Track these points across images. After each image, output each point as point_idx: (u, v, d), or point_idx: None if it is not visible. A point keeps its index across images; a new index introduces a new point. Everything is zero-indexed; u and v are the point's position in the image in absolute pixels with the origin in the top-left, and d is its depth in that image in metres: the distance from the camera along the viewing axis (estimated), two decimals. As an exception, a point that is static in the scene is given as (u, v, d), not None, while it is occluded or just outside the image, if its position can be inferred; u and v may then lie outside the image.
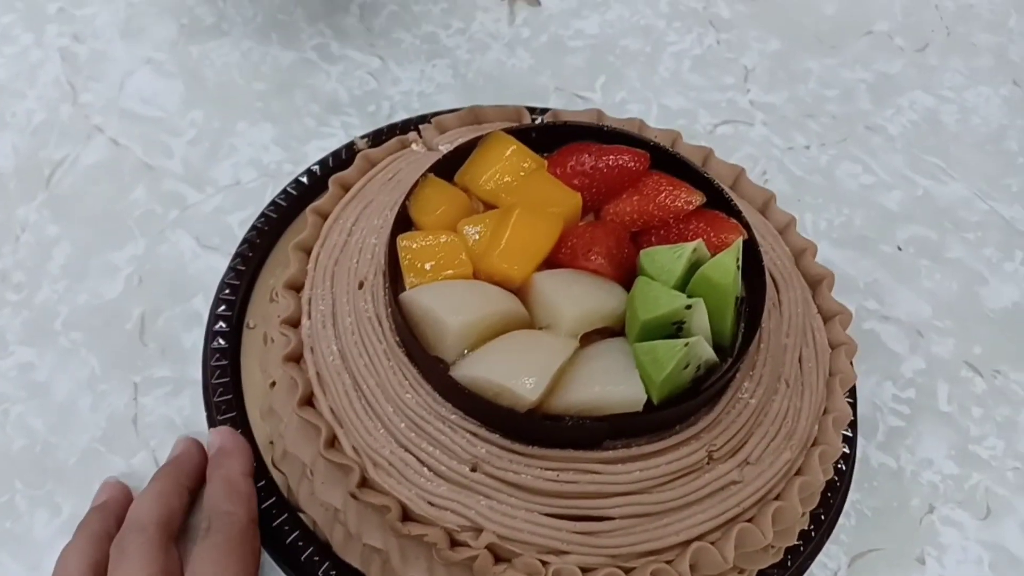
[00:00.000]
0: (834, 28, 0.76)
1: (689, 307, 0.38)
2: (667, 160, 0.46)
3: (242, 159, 0.63)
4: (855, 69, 0.74)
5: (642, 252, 0.41)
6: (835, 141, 0.69)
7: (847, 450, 0.48)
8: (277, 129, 0.65)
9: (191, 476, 0.46)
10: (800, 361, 0.44)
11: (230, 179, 0.62)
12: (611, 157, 0.45)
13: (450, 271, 0.42)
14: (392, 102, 0.68)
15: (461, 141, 0.48)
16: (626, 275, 0.41)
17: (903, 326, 0.58)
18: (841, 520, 0.48)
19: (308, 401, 0.43)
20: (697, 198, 0.44)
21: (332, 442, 0.41)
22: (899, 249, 0.63)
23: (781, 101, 0.71)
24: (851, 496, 0.49)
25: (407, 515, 0.39)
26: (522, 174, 0.45)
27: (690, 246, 0.40)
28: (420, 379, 0.41)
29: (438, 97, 0.69)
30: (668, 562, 0.38)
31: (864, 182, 0.66)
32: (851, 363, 0.46)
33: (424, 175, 0.45)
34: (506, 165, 0.46)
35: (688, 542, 0.39)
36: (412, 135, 0.54)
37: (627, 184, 0.45)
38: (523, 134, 0.47)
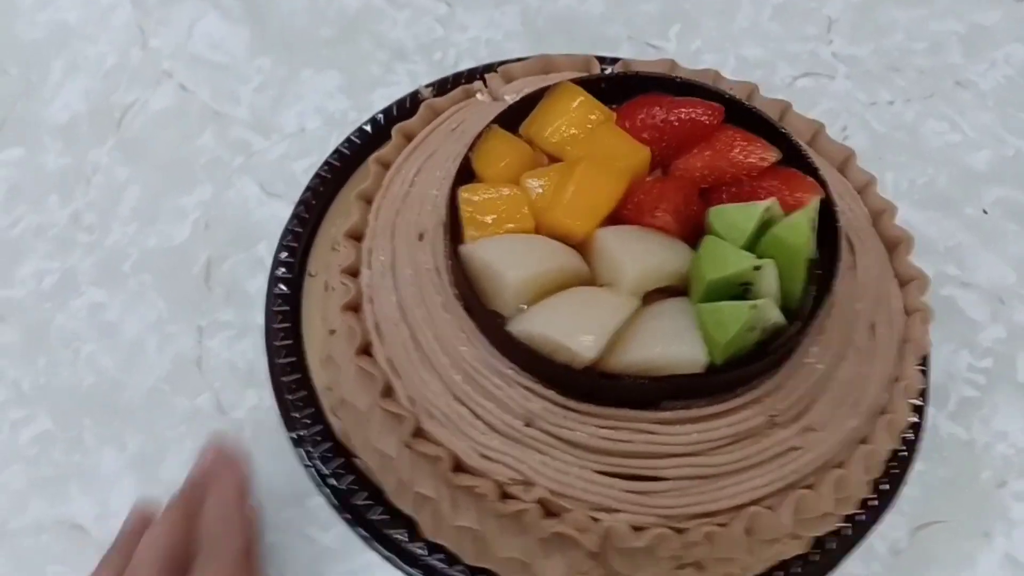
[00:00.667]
0: (926, -25, 0.72)
1: (758, 268, 0.36)
2: (742, 114, 0.44)
3: (307, 106, 0.63)
4: (946, 20, 0.69)
5: (711, 210, 0.40)
6: (921, 97, 0.65)
7: (916, 419, 0.46)
8: (343, 76, 0.65)
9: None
10: (873, 328, 0.43)
11: (295, 126, 0.62)
12: (683, 110, 0.43)
13: (511, 225, 0.41)
14: (459, 49, 0.67)
15: (528, 91, 0.46)
16: (693, 233, 0.40)
17: (984, 293, 0.55)
18: (905, 490, 0.46)
19: (366, 350, 0.43)
20: (772, 155, 0.43)
21: (388, 392, 0.41)
22: (984, 212, 0.59)
23: (865, 53, 0.68)
24: (918, 466, 0.47)
25: (459, 466, 0.39)
26: (589, 127, 0.44)
27: (762, 205, 0.38)
28: (477, 333, 0.40)
29: (506, 45, 0.67)
30: (722, 525, 0.38)
31: (950, 140, 0.63)
32: (926, 330, 0.44)
33: (488, 126, 0.44)
34: (573, 117, 0.44)
35: (743, 506, 0.38)
36: (478, 84, 0.53)
37: (699, 138, 0.43)
38: (592, 85, 0.46)
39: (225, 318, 0.54)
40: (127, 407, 0.51)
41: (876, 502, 0.44)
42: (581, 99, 0.45)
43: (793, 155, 0.43)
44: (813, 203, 0.39)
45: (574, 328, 0.37)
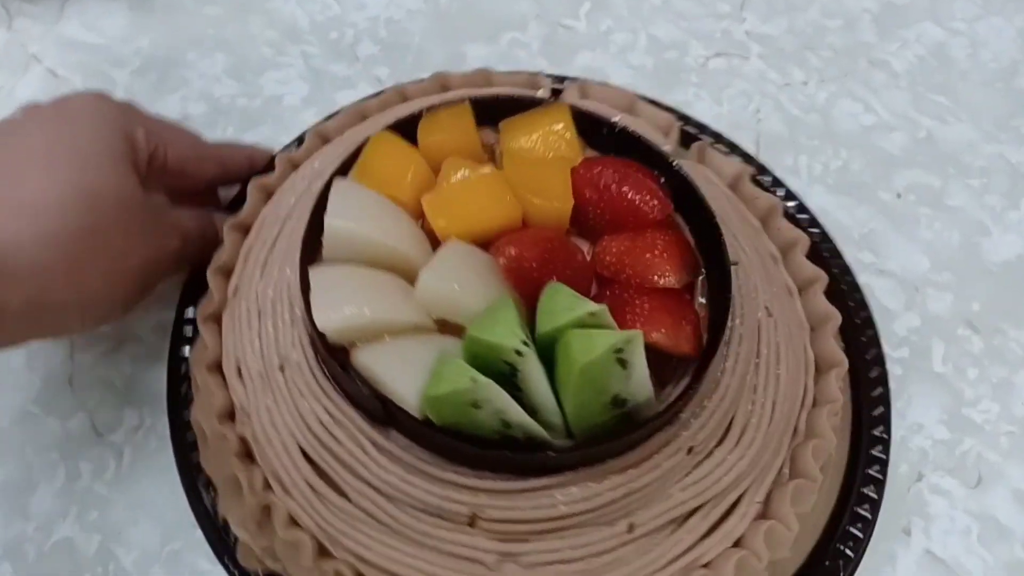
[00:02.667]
0: (838, -49, 0.71)
1: (520, 353, 0.32)
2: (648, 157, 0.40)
3: (192, 92, 0.58)
4: (860, -3, 0.68)
5: (551, 283, 0.34)
6: (835, 77, 0.64)
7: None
8: (231, 59, 0.60)
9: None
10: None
11: (178, 113, 0.57)
12: (631, 190, 0.38)
13: (394, 186, 0.38)
14: (356, 29, 0.63)
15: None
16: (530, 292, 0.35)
17: (899, 280, 0.54)
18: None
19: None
20: (677, 280, 0.37)
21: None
22: (898, 196, 0.58)
23: (779, 32, 0.66)
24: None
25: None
26: (550, 154, 0.40)
27: (590, 307, 0.32)
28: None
29: (408, 25, 0.63)
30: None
31: (864, 122, 0.62)
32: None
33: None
34: (547, 137, 0.40)
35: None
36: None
37: (632, 224, 0.38)
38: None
39: (99, 330, 0.49)
40: (-10, 432, 0.46)
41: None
42: (564, 124, 0.40)
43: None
44: (628, 337, 0.32)
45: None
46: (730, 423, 0.38)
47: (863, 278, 0.54)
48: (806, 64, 0.64)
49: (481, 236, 0.36)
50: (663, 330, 0.34)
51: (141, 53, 0.60)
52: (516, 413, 0.32)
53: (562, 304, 0.32)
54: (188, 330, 0.47)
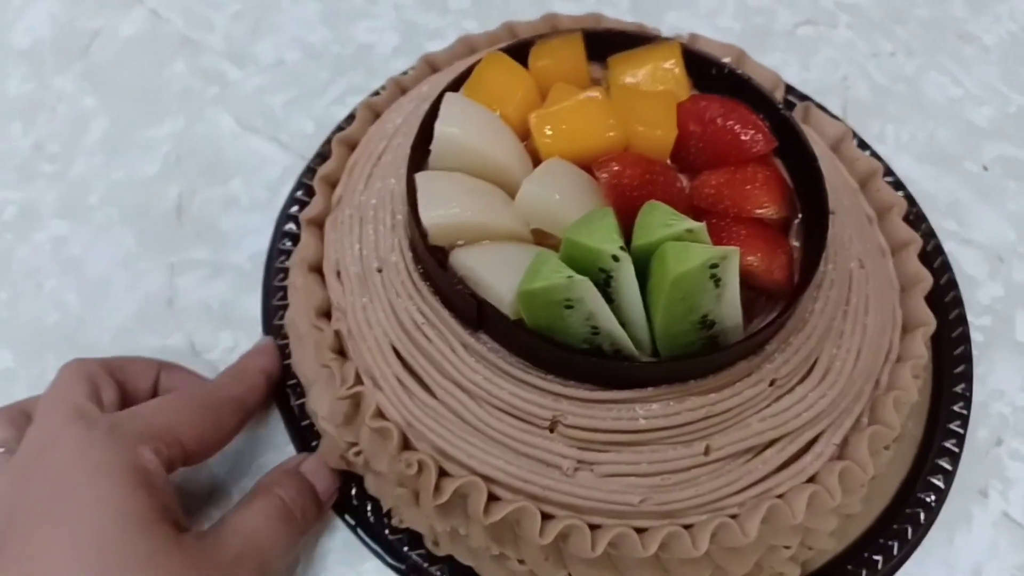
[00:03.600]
0: (931, -75, 0.70)
1: (617, 259, 0.32)
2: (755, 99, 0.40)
3: (285, 37, 0.60)
4: (952, -29, 0.67)
5: (647, 203, 0.34)
6: (923, 49, 0.63)
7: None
8: (323, 6, 0.61)
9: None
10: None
11: (273, 58, 0.59)
12: (737, 125, 0.38)
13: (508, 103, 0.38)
14: (449, -18, 0.63)
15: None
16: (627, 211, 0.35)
17: (983, 250, 0.54)
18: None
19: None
20: (776, 212, 0.37)
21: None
22: (985, 168, 0.58)
23: (868, 2, 0.66)
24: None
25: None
26: (660, 86, 0.40)
27: (689, 224, 0.32)
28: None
29: (495, -20, 0.64)
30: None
31: (952, 95, 0.61)
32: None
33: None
34: (657, 70, 0.40)
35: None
36: None
37: (734, 159, 0.38)
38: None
39: (198, 256, 0.51)
40: (93, 346, 0.48)
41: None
42: (674, 61, 0.40)
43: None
44: (730, 255, 0.32)
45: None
46: (814, 363, 0.38)
47: (947, 246, 0.54)
48: (894, 36, 0.64)
49: (584, 156, 0.36)
50: (758, 255, 0.34)
51: (239, -2, 0.62)
52: (606, 319, 0.32)
53: (660, 220, 0.32)
54: (282, 260, 0.48)
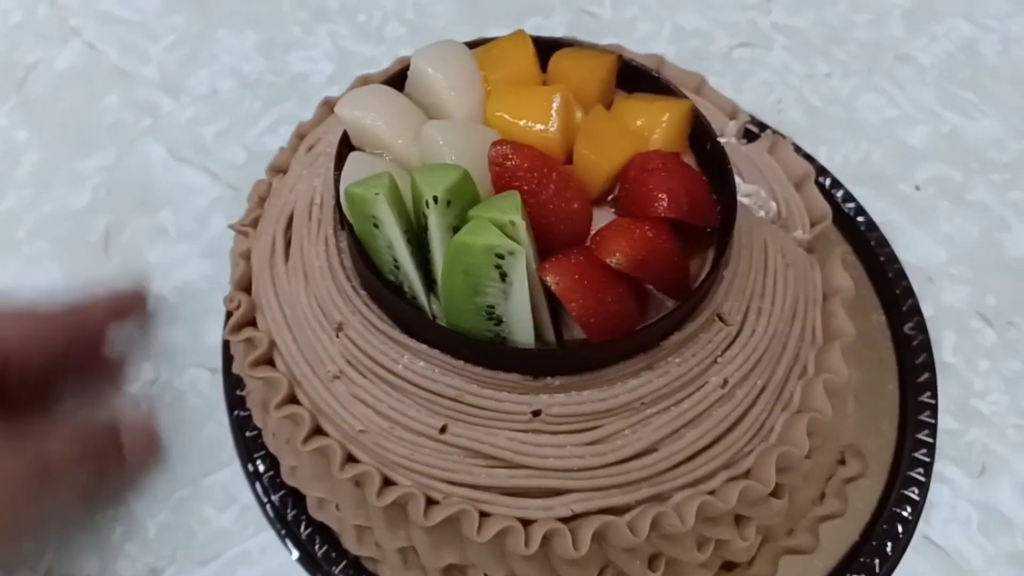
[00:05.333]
0: (870, -54, 0.70)
1: (429, 205, 0.33)
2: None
3: (221, 67, 0.60)
4: (890, -8, 0.68)
5: (508, 191, 0.34)
6: (860, 70, 0.64)
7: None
8: (260, 36, 0.62)
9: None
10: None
11: (207, 88, 0.59)
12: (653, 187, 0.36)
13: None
14: (384, 11, 0.64)
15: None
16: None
17: (913, 271, 0.54)
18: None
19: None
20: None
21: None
22: (917, 189, 0.58)
23: (806, 24, 0.66)
24: (839, 448, 0.46)
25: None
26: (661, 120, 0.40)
27: (513, 217, 0.32)
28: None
29: (434, 7, 0.64)
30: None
31: (887, 115, 0.61)
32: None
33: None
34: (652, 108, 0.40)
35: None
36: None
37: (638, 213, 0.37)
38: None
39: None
40: (14, 381, 0.48)
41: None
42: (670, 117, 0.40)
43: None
44: (517, 253, 0.32)
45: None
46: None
47: (877, 267, 0.54)
48: (831, 57, 0.64)
49: (517, 136, 0.37)
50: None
51: (175, 29, 0.62)
52: (402, 253, 0.34)
53: (501, 204, 0.33)
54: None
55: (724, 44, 0.64)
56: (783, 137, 0.47)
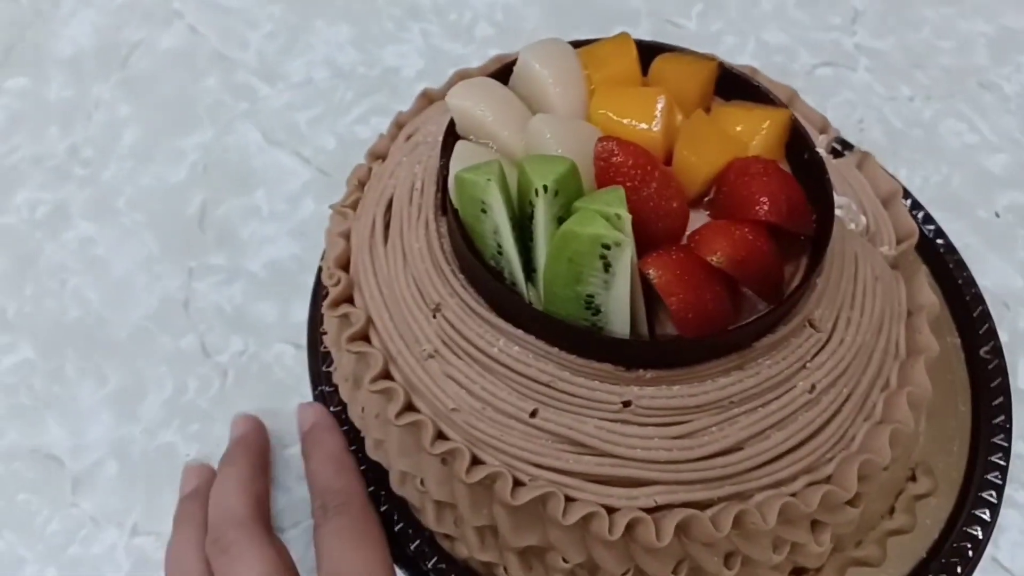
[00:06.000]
0: (958, -27, 0.71)
1: (538, 194, 0.33)
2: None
3: (316, 57, 0.62)
4: (975, 20, 0.68)
5: (612, 185, 0.35)
6: (942, 95, 0.64)
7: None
8: (355, 30, 0.64)
9: (264, 456, 0.45)
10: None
11: (302, 76, 0.61)
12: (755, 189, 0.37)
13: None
14: (475, 12, 0.65)
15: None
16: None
17: (990, 296, 0.54)
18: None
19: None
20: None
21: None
22: (996, 215, 0.58)
23: (889, 48, 0.66)
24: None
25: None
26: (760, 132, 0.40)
27: (619, 210, 0.33)
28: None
29: (523, 10, 0.66)
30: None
31: (968, 141, 0.62)
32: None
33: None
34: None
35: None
36: None
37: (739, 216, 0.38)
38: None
39: (216, 262, 0.53)
40: (110, 342, 0.50)
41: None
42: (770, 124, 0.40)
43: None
44: (624, 244, 0.33)
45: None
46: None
47: (953, 291, 0.54)
48: (914, 80, 0.65)
49: (620, 134, 0.37)
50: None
51: (273, 18, 0.64)
52: (507, 239, 0.34)
53: (607, 197, 0.33)
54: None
55: (807, 62, 0.65)
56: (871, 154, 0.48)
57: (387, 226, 0.43)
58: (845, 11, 0.68)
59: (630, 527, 0.35)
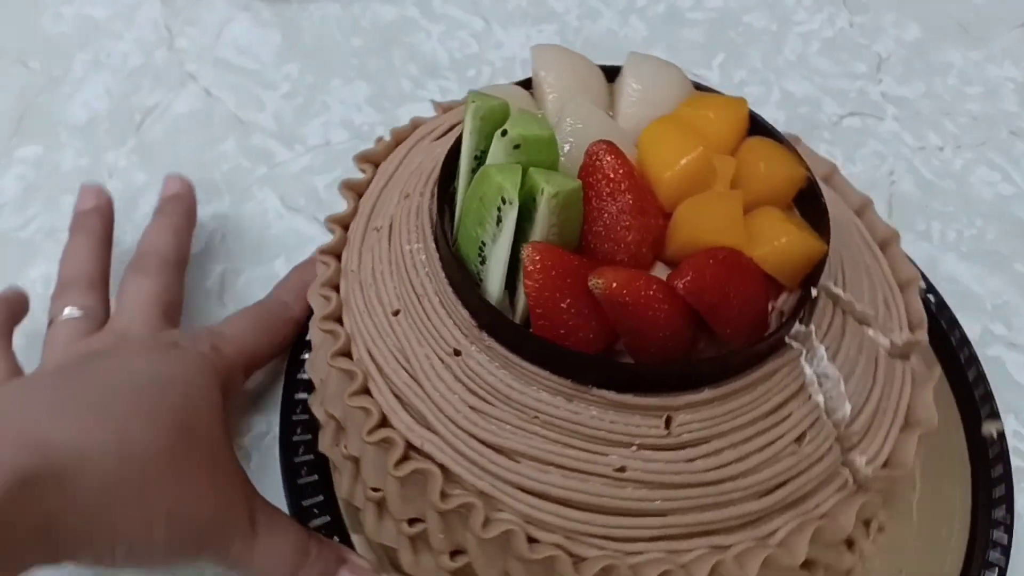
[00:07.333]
0: (982, 18, 0.69)
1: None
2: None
3: (334, 118, 0.61)
4: (1003, 65, 0.67)
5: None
6: (973, 144, 0.62)
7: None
8: (371, 89, 0.63)
9: (193, 215, 0.51)
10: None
11: (320, 139, 0.60)
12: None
13: None
14: (493, 68, 0.65)
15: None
16: None
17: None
18: None
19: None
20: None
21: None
22: (1036, 269, 0.56)
23: (916, 95, 0.65)
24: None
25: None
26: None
27: (575, 184, 0.34)
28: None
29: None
30: None
31: (1002, 192, 0.60)
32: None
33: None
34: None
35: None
36: None
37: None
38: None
39: (235, 337, 0.51)
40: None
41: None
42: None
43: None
44: (513, 204, 0.33)
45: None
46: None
47: (993, 350, 0.53)
48: (943, 129, 0.63)
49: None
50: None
51: (290, 78, 0.63)
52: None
53: (557, 175, 0.34)
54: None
55: (834, 112, 0.64)
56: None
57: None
58: (869, 57, 0.67)
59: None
